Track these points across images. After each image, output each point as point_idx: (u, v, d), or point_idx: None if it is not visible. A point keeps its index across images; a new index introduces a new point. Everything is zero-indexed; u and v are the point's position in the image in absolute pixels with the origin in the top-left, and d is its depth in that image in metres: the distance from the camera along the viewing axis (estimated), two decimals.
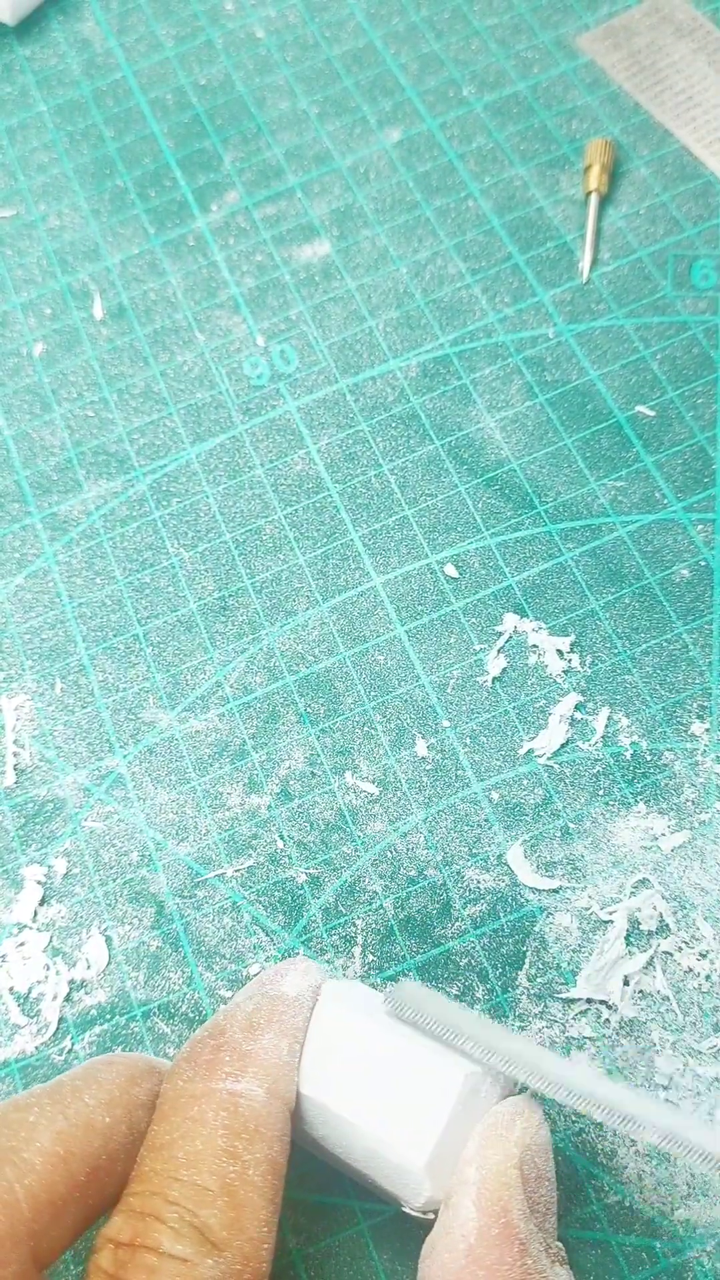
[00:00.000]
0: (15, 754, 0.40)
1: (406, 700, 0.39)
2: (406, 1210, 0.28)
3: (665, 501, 0.40)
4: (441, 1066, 0.28)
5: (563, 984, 0.34)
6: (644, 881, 0.35)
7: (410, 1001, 0.29)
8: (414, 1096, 0.28)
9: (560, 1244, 0.28)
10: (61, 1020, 0.36)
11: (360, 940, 0.36)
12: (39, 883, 0.38)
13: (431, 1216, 0.28)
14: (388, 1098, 0.28)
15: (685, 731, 0.37)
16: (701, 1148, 0.26)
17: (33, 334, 0.48)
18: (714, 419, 0.41)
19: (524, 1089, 0.29)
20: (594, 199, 0.45)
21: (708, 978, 0.34)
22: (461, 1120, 0.28)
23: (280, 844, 0.37)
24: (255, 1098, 0.27)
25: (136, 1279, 0.24)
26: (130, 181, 0.50)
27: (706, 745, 0.37)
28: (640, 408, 0.42)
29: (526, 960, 0.35)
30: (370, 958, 0.36)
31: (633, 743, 0.37)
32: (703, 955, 0.34)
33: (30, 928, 0.38)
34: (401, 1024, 0.29)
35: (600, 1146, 0.32)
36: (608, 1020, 0.34)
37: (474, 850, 0.36)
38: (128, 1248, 0.25)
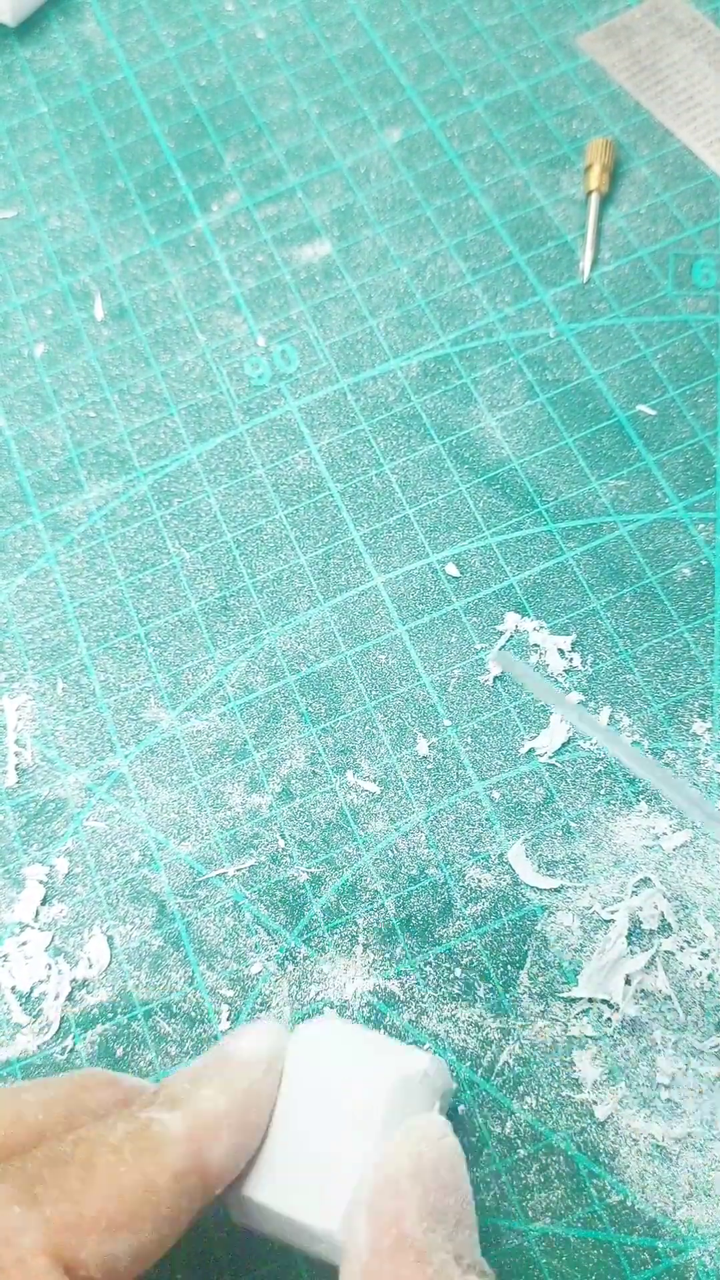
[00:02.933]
0: (17, 754, 0.40)
1: (408, 699, 0.39)
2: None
3: (666, 500, 0.40)
4: (347, 1137, 0.27)
5: (564, 983, 0.34)
6: (645, 881, 0.35)
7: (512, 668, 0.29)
8: (322, 1167, 0.27)
9: (484, 1260, 0.26)
10: (63, 1019, 0.36)
11: (361, 939, 0.36)
12: (41, 882, 0.38)
13: None
14: (295, 1169, 0.27)
15: (687, 730, 0.37)
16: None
17: (34, 335, 0.48)
18: (715, 418, 0.41)
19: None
20: (595, 198, 0.45)
21: (709, 977, 0.34)
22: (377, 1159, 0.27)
23: (281, 843, 0.37)
24: (168, 1126, 0.26)
25: None
26: (131, 182, 0.50)
27: (708, 744, 0.37)
28: (641, 407, 0.42)
29: (528, 959, 0.35)
30: (372, 957, 0.36)
31: (634, 742, 0.37)
32: (704, 954, 0.34)
33: (32, 927, 0.38)
34: (305, 1094, 0.28)
35: (602, 1146, 0.32)
36: (609, 1020, 0.34)
37: (475, 849, 0.36)
38: None
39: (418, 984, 0.35)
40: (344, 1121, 0.27)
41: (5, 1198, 0.23)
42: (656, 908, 0.35)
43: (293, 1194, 0.27)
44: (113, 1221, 0.24)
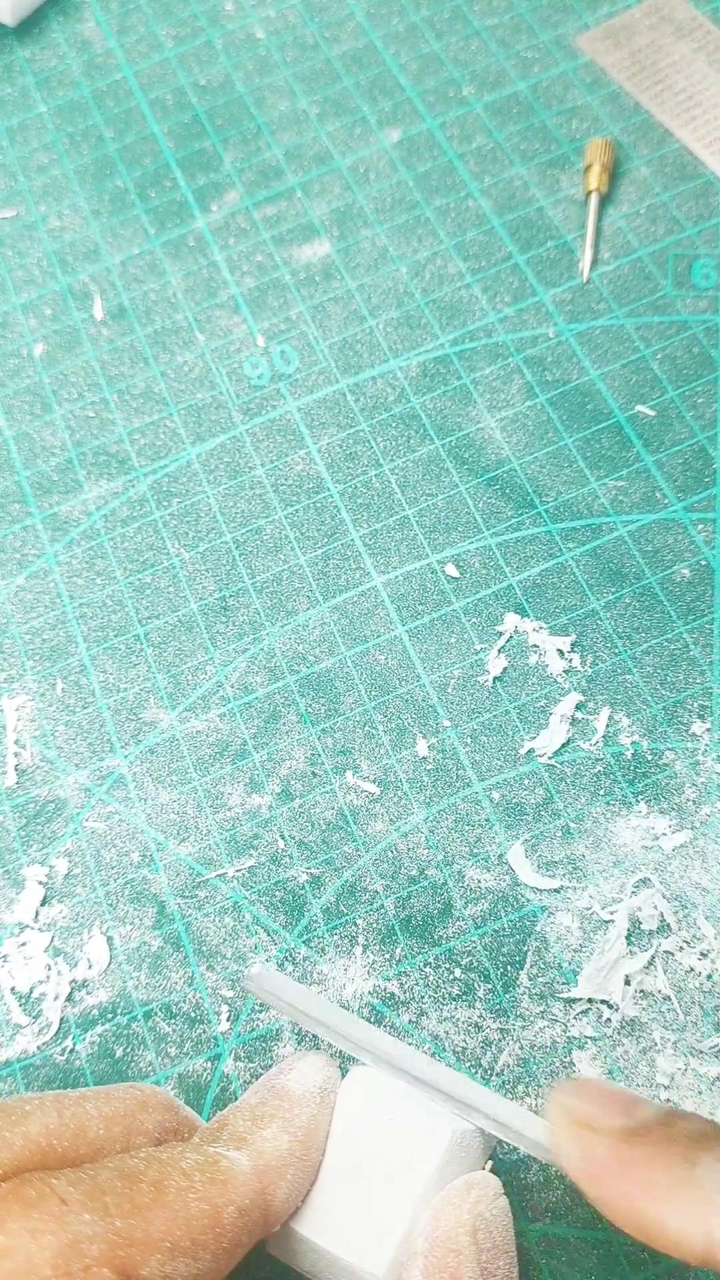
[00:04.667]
0: (16, 754, 0.40)
1: (407, 700, 0.39)
2: None
3: (666, 501, 0.40)
4: (398, 1180, 0.28)
5: (564, 984, 0.34)
6: (645, 881, 0.35)
7: (267, 985, 0.29)
8: (370, 1208, 0.27)
9: None
10: (63, 1020, 0.36)
11: (361, 940, 0.36)
12: (40, 883, 0.38)
13: None
14: (344, 1208, 0.28)
15: (686, 731, 0.37)
16: (530, 1136, 0.26)
17: (33, 335, 0.48)
18: (714, 418, 0.41)
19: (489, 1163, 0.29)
20: (594, 198, 0.45)
21: (709, 977, 0.34)
22: (417, 1233, 0.28)
23: (281, 844, 0.37)
24: (237, 1163, 0.26)
25: (9, 1202, 0.23)
26: (130, 182, 0.50)
27: (707, 745, 0.37)
28: (640, 407, 0.42)
29: (528, 960, 0.35)
30: (371, 958, 0.36)
31: (633, 742, 0.37)
32: (704, 955, 0.34)
33: (32, 928, 0.38)
34: (358, 1133, 0.29)
35: None
36: (609, 1020, 0.34)
37: (475, 850, 0.36)
38: (40, 1162, 0.24)
39: (417, 985, 0.35)
40: (397, 1168, 0.28)
41: (77, 1204, 0.23)
42: (656, 908, 0.35)
43: (341, 1233, 0.27)
44: (176, 1245, 0.24)
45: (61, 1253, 0.22)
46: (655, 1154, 0.23)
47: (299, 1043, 0.35)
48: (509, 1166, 0.33)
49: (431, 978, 0.35)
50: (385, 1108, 0.29)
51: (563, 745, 0.37)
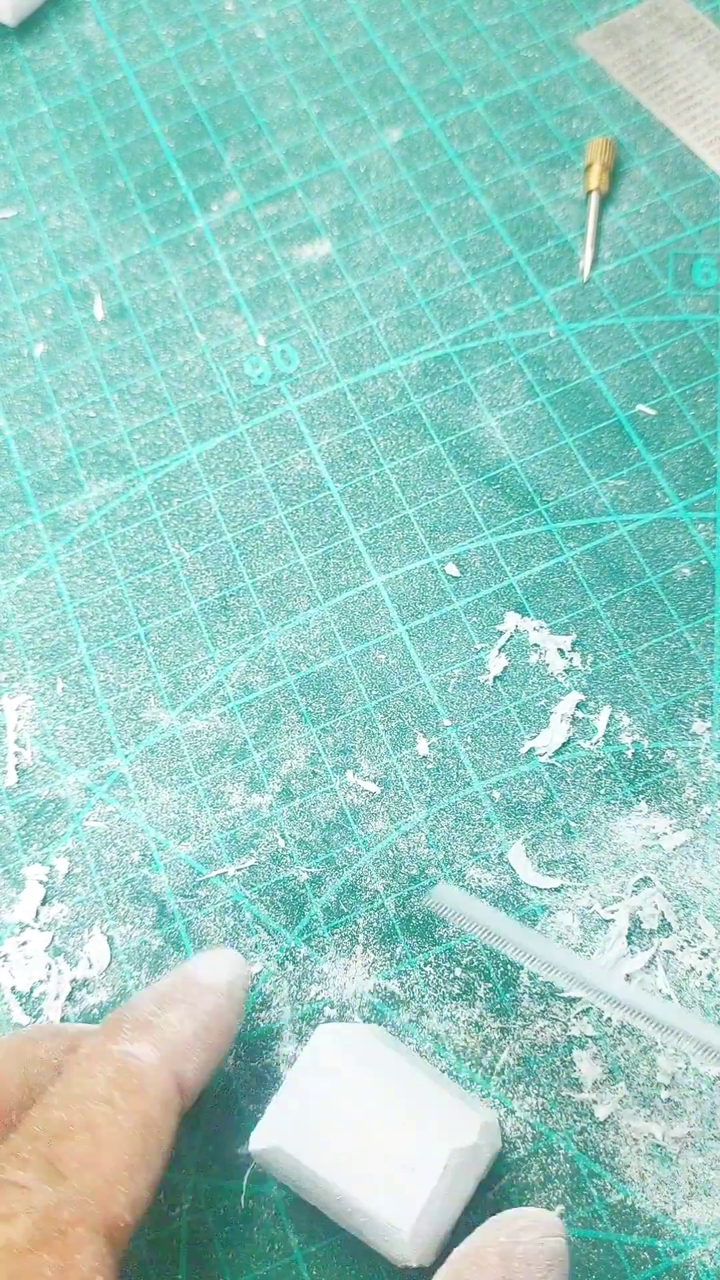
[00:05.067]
0: (17, 754, 0.40)
1: (407, 699, 0.39)
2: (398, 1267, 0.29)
3: (666, 500, 0.40)
4: (432, 1133, 0.28)
5: None
6: (645, 880, 0.35)
7: (449, 903, 0.30)
8: (402, 1161, 0.28)
9: None
10: (64, 1019, 0.36)
11: (362, 939, 0.36)
12: (41, 882, 0.38)
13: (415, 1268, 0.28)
14: (376, 1160, 0.28)
15: (687, 730, 0.37)
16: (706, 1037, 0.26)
17: (34, 334, 0.48)
18: (715, 418, 0.41)
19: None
20: (594, 198, 0.45)
21: (709, 976, 0.34)
22: (446, 1189, 0.28)
23: (282, 843, 0.37)
24: (145, 1058, 0.27)
25: None
26: (131, 182, 0.50)
27: (708, 744, 0.37)
28: (641, 406, 0.42)
29: None
30: (372, 957, 0.36)
31: (634, 741, 0.37)
32: (704, 954, 0.34)
33: (32, 927, 0.38)
34: (392, 1082, 0.30)
35: (603, 1146, 0.32)
36: (609, 1019, 0.34)
37: (475, 849, 0.36)
38: None
39: (418, 984, 0.35)
40: (401, 1170, 0.28)
41: (36, 1181, 0.24)
42: (656, 907, 0.35)
43: (373, 1183, 0.28)
44: (130, 1168, 0.25)
45: (37, 1226, 0.24)
46: None
47: (299, 1041, 0.35)
48: (510, 1166, 0.33)
49: (432, 977, 0.35)
50: (392, 1097, 0.29)
51: (563, 744, 0.37)
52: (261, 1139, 0.30)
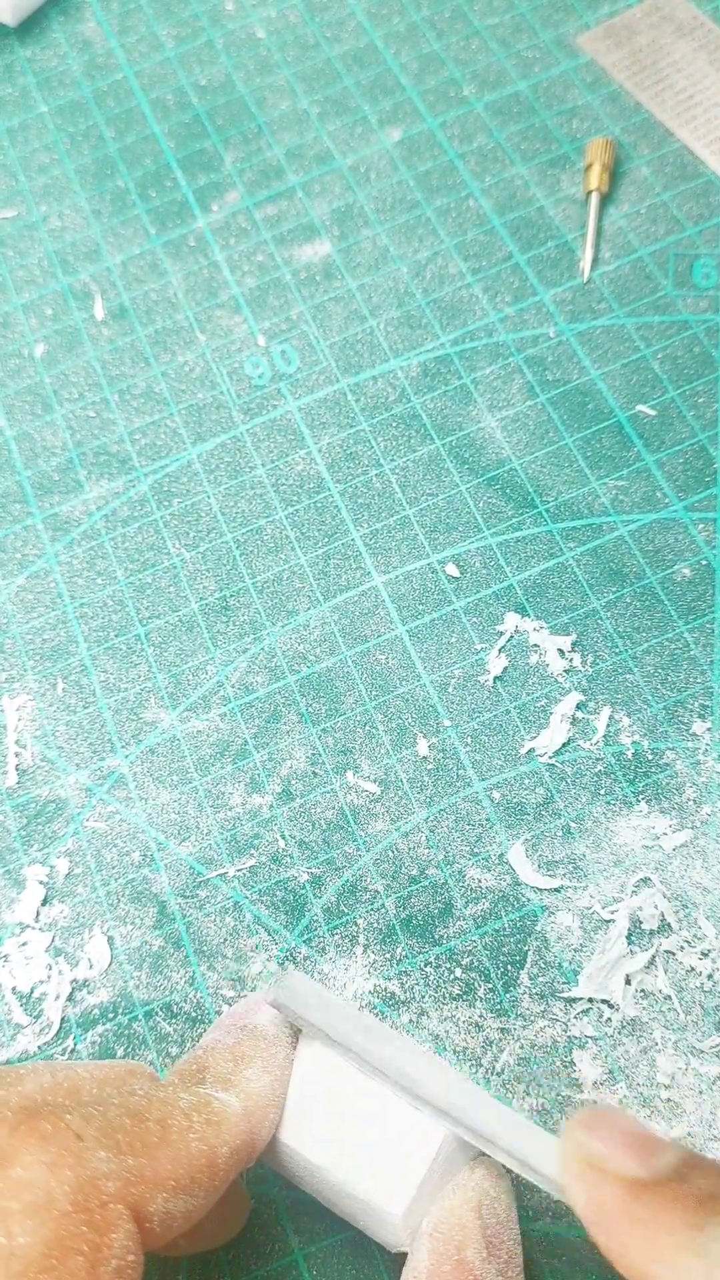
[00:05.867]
0: (17, 754, 0.40)
1: (408, 699, 0.39)
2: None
3: (666, 501, 0.40)
4: (425, 1118, 0.28)
5: (564, 983, 0.34)
6: (645, 880, 0.35)
7: (296, 995, 0.29)
8: (395, 1146, 0.28)
9: None
10: (64, 1020, 0.36)
11: (362, 940, 0.36)
12: (41, 883, 0.38)
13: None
14: (369, 1146, 0.28)
15: (687, 731, 0.37)
16: (548, 1176, 0.26)
17: (34, 335, 0.48)
18: (715, 418, 0.41)
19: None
20: (595, 198, 0.45)
21: (709, 977, 0.34)
22: (439, 1175, 0.28)
23: (282, 843, 0.37)
24: (228, 1105, 0.27)
25: (23, 1134, 0.23)
26: (131, 182, 0.50)
27: (708, 744, 0.37)
28: (641, 407, 0.42)
29: (528, 959, 0.35)
30: (372, 957, 0.36)
31: (634, 742, 0.37)
32: (704, 954, 0.34)
33: (33, 928, 0.38)
34: (409, 1093, 0.29)
35: None
36: (609, 1019, 0.34)
37: (475, 849, 0.36)
38: (41, 1108, 0.24)
39: (418, 984, 0.35)
40: (390, 1161, 0.28)
41: (93, 1140, 0.24)
42: (656, 907, 0.35)
43: (364, 1169, 0.28)
44: (179, 1183, 0.25)
45: (80, 1188, 0.23)
46: (661, 1212, 0.22)
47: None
48: None
49: (432, 977, 0.35)
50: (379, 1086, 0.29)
51: (563, 745, 0.37)
52: None
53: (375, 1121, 0.28)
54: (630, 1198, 0.22)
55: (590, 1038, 0.34)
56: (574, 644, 0.39)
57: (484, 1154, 0.29)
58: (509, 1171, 0.29)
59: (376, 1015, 0.35)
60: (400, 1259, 0.32)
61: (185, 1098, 0.26)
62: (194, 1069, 0.28)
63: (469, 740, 0.38)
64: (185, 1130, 0.25)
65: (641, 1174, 0.23)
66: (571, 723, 0.38)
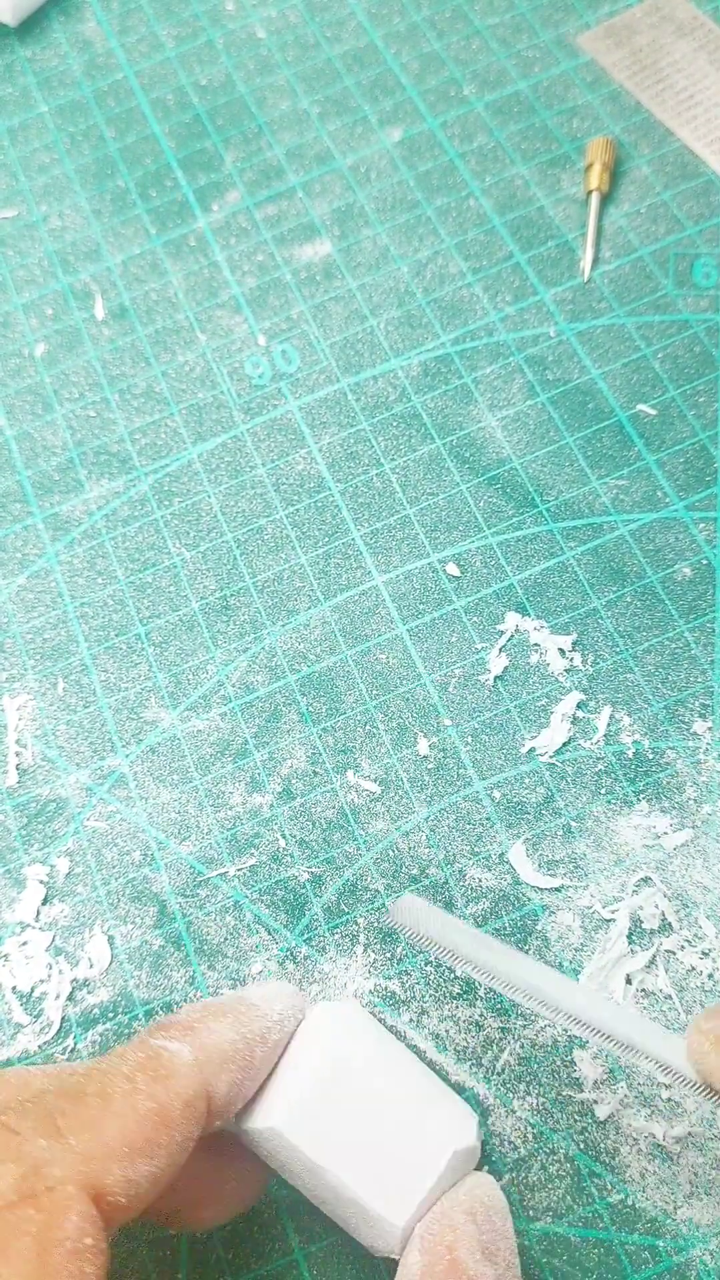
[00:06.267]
0: (18, 753, 0.40)
1: (408, 699, 0.39)
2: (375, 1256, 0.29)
3: (667, 500, 0.40)
4: (435, 1132, 0.29)
5: None
6: (646, 880, 0.35)
7: (411, 917, 0.29)
8: (403, 1157, 0.28)
9: None
10: (64, 1019, 0.36)
11: (363, 939, 0.36)
12: (41, 882, 0.38)
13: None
14: (376, 1154, 0.28)
15: (687, 730, 0.37)
16: (680, 1068, 0.27)
17: (34, 334, 0.48)
18: (715, 417, 0.41)
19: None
20: (595, 198, 0.45)
21: (710, 976, 0.34)
22: (443, 1187, 0.28)
23: (282, 843, 0.37)
24: (178, 1055, 0.27)
25: None
26: (131, 182, 0.50)
27: (709, 744, 0.37)
28: (642, 406, 0.42)
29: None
30: (373, 956, 0.36)
31: (635, 741, 0.37)
32: (705, 954, 0.34)
33: (33, 927, 0.38)
34: (390, 1071, 0.30)
35: (604, 1145, 0.32)
36: None
37: (476, 849, 0.36)
38: None
39: (418, 983, 0.35)
40: (396, 1168, 0.28)
41: (30, 1131, 0.24)
42: (657, 907, 0.35)
43: (368, 1177, 0.28)
44: (132, 1148, 0.25)
45: (23, 1178, 0.23)
46: None
47: None
48: (510, 1165, 0.33)
49: (432, 976, 0.35)
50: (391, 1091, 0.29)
51: (564, 744, 0.37)
52: (259, 1118, 0.29)
53: (385, 1130, 0.28)
54: None
55: None
56: (574, 643, 0.39)
57: (476, 1173, 0.29)
58: (506, 1174, 0.29)
59: (374, 1014, 0.35)
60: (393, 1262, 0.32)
61: (132, 1056, 0.27)
62: (164, 1021, 0.29)
63: (469, 739, 0.38)
64: (130, 1094, 0.25)
65: None
66: (572, 722, 0.38)
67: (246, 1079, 0.28)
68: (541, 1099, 0.33)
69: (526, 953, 0.35)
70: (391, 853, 0.37)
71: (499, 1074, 0.34)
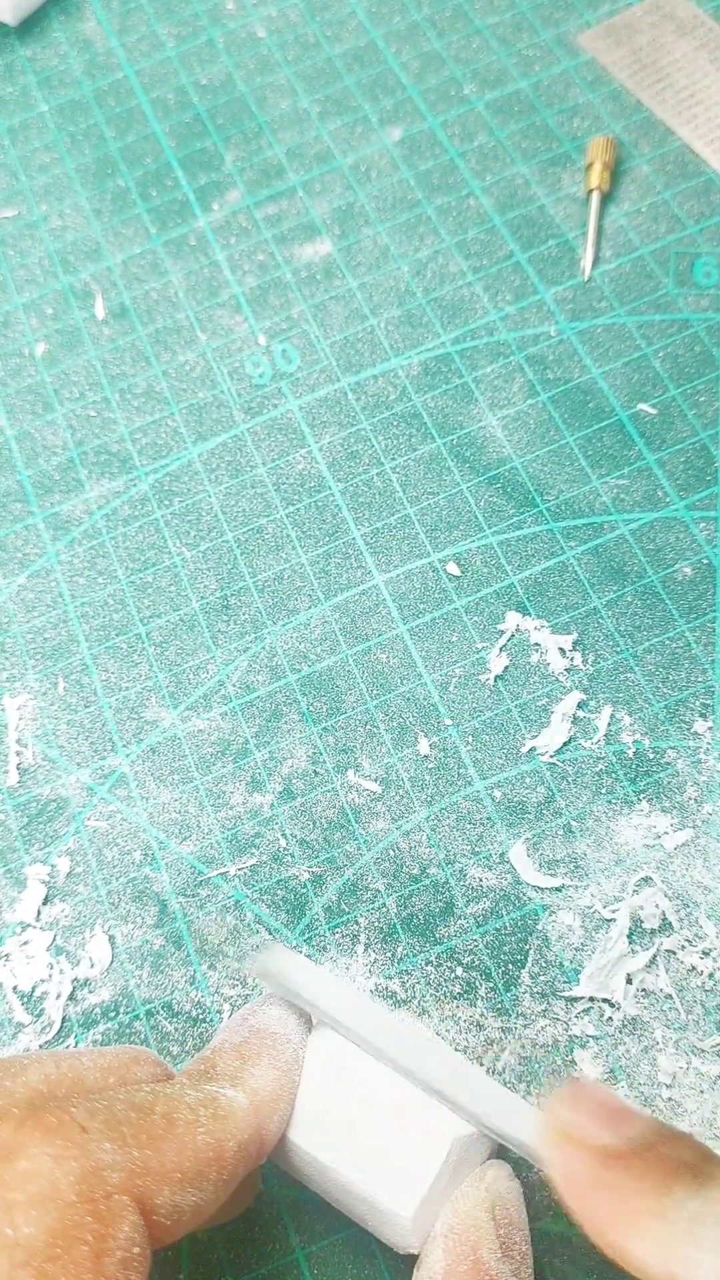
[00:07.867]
0: (18, 753, 0.40)
1: (409, 698, 0.39)
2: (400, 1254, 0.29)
3: (667, 499, 0.40)
4: (435, 1120, 0.28)
5: (565, 982, 0.34)
6: (646, 880, 0.35)
7: (273, 969, 0.29)
8: (405, 1148, 0.28)
9: None
10: (65, 1019, 0.36)
11: (363, 939, 0.36)
12: (42, 882, 0.38)
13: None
14: (379, 1146, 0.28)
15: (688, 730, 0.37)
16: (528, 1145, 0.27)
17: (35, 334, 0.48)
18: (716, 417, 0.41)
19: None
20: (596, 197, 0.45)
21: (710, 976, 0.34)
22: (449, 1177, 0.28)
23: (283, 842, 0.37)
24: (235, 1100, 0.27)
25: (29, 1128, 0.23)
26: (132, 181, 0.50)
27: (709, 743, 0.37)
28: (642, 405, 0.42)
29: (529, 958, 0.35)
30: (373, 956, 0.36)
31: (635, 741, 0.37)
32: (705, 953, 0.34)
33: (34, 926, 0.38)
34: (396, 1066, 0.29)
35: None
36: (610, 1019, 0.34)
37: (476, 848, 0.36)
38: (46, 1101, 0.24)
39: (419, 983, 0.35)
40: (401, 1161, 0.28)
41: (97, 1132, 0.24)
42: (658, 906, 0.35)
43: (374, 1169, 0.28)
44: (185, 1176, 0.25)
45: (85, 1178, 0.23)
46: (629, 1179, 0.22)
47: None
48: (512, 1164, 0.33)
49: (433, 976, 0.35)
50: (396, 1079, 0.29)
51: (564, 744, 0.37)
52: None
53: (385, 1122, 0.28)
54: (600, 1165, 0.23)
55: (591, 1037, 0.34)
56: (575, 643, 0.39)
57: (495, 1156, 0.29)
58: (518, 1174, 0.29)
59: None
60: (406, 1260, 0.32)
61: (192, 1093, 0.26)
62: (201, 1069, 0.28)
63: (470, 739, 0.38)
64: (192, 1124, 0.25)
65: (612, 1143, 0.23)
66: (573, 721, 0.38)
67: (288, 1110, 0.29)
68: (543, 1099, 0.33)
69: (524, 958, 0.35)
70: (392, 852, 0.37)
71: (500, 1074, 0.34)
